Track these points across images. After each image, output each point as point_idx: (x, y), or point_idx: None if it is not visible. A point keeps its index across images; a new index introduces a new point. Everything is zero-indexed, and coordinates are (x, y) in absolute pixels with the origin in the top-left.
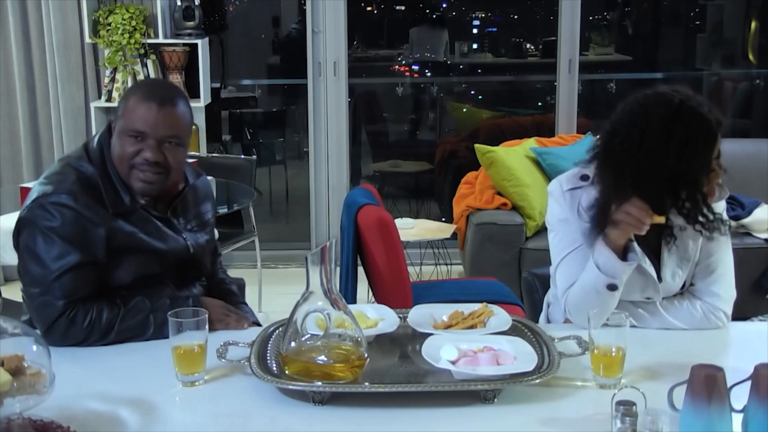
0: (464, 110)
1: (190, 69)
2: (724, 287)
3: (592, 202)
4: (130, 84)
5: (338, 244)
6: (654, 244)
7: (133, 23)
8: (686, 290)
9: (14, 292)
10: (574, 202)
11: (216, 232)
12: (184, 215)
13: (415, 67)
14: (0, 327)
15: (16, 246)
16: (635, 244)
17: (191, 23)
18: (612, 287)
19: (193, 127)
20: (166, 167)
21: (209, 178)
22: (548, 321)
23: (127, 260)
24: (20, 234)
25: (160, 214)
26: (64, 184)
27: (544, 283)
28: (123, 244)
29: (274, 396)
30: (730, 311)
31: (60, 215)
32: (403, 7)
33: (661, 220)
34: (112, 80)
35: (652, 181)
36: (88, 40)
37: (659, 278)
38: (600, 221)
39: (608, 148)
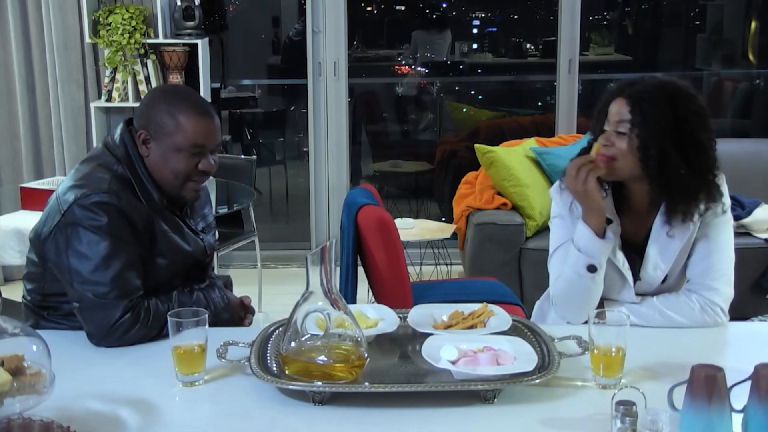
0: (464, 110)
1: (190, 69)
2: (720, 282)
3: None
4: (130, 84)
5: (338, 244)
6: (641, 243)
7: (133, 23)
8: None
9: (14, 292)
10: (568, 199)
11: (216, 233)
12: (193, 217)
13: (416, 68)
14: (0, 327)
15: (51, 251)
16: (611, 234)
17: (191, 23)
18: (591, 268)
19: None
20: (211, 173)
21: (209, 178)
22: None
23: (157, 261)
24: (57, 238)
25: (179, 215)
26: (102, 184)
27: None
28: (158, 242)
29: (274, 396)
30: (726, 307)
31: (106, 213)
32: (403, 7)
33: (597, 147)
34: (112, 80)
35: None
36: (88, 40)
37: (639, 275)
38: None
39: None
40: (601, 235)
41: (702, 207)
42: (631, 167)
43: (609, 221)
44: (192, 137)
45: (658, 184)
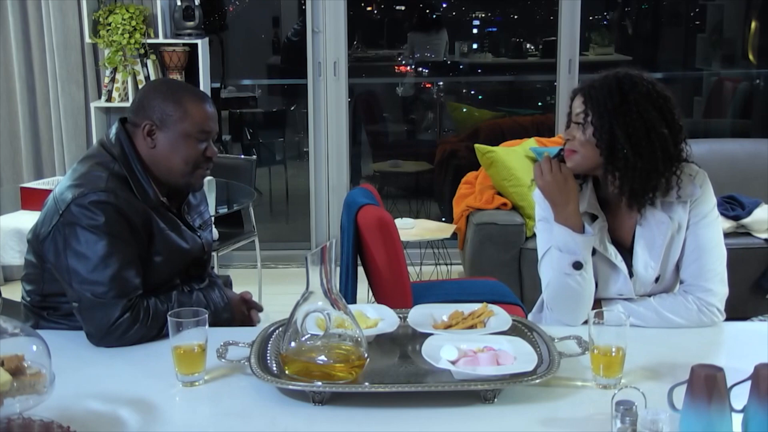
0: (464, 110)
1: (190, 69)
2: (714, 283)
3: None
4: (130, 84)
5: (338, 244)
6: (627, 241)
7: (133, 23)
8: (678, 287)
9: (14, 292)
10: None
11: (216, 231)
12: (190, 214)
13: (414, 68)
14: (0, 327)
15: (50, 252)
16: (590, 228)
17: (191, 23)
18: (577, 265)
19: None
20: (215, 160)
21: (209, 178)
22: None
23: (155, 259)
24: (55, 238)
25: (175, 213)
26: (99, 183)
27: None
28: (156, 240)
29: (274, 396)
30: (722, 306)
31: (103, 213)
32: (403, 7)
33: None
34: (112, 80)
35: None
36: (88, 40)
37: (631, 273)
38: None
39: None
40: (580, 230)
41: (652, 193)
42: (591, 157)
43: (595, 217)
44: (200, 123)
45: (614, 168)
